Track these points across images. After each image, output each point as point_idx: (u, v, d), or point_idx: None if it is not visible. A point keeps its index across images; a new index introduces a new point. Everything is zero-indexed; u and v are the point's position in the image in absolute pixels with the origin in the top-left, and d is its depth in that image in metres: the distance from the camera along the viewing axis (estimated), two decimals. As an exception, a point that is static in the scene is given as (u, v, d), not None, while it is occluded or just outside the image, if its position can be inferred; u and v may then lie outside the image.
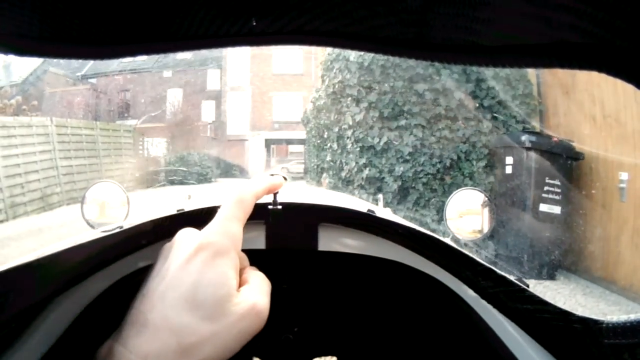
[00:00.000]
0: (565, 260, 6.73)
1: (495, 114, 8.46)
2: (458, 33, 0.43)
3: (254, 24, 0.45)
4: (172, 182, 18.15)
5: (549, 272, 6.57)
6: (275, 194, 0.90)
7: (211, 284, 0.52)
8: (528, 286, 0.83)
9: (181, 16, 0.44)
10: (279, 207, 0.91)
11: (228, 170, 22.39)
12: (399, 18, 0.43)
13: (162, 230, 0.91)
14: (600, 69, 0.42)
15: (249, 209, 0.60)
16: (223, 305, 0.51)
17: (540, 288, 5.97)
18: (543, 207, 6.46)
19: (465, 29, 0.42)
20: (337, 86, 9.45)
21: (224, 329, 0.51)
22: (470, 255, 0.89)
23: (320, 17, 0.45)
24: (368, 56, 8.65)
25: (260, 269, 0.61)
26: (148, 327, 0.50)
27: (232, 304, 0.52)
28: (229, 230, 0.56)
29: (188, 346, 0.49)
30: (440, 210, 8.10)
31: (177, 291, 0.51)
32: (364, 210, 1.08)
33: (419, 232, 0.99)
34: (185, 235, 0.58)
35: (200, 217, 0.97)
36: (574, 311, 0.71)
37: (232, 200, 0.59)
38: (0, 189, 10.73)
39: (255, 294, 0.55)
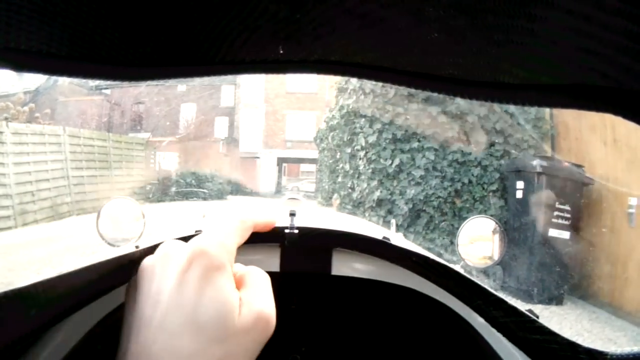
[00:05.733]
0: (572, 285, 6.68)
1: (507, 138, 8.45)
2: (482, 70, 0.44)
3: (281, 51, 0.45)
4: (182, 198, 18.18)
5: (557, 297, 6.52)
6: (292, 218, 0.90)
7: (212, 303, 0.48)
8: (538, 317, 0.84)
9: (209, 41, 0.44)
10: (296, 231, 0.91)
11: (239, 187, 22.41)
12: (425, 54, 0.44)
13: None
14: (616, 112, 0.42)
15: (246, 234, 0.56)
16: (228, 323, 0.48)
17: (547, 313, 5.94)
18: (552, 232, 6.41)
19: (489, 66, 0.43)
20: (350, 107, 9.48)
21: (234, 346, 0.48)
22: (482, 284, 0.89)
23: (347, 48, 0.45)
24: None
25: (273, 291, 0.60)
26: None
27: (237, 319, 0.48)
28: (223, 242, 0.52)
29: None
30: (450, 234, 8.07)
31: (178, 317, 0.47)
32: (380, 237, 1.08)
33: (433, 260, 0.99)
34: (172, 249, 0.53)
35: None
36: (580, 340, 0.72)
37: (233, 220, 0.56)
38: (10, 195, 10.79)
39: (257, 300, 0.52)
